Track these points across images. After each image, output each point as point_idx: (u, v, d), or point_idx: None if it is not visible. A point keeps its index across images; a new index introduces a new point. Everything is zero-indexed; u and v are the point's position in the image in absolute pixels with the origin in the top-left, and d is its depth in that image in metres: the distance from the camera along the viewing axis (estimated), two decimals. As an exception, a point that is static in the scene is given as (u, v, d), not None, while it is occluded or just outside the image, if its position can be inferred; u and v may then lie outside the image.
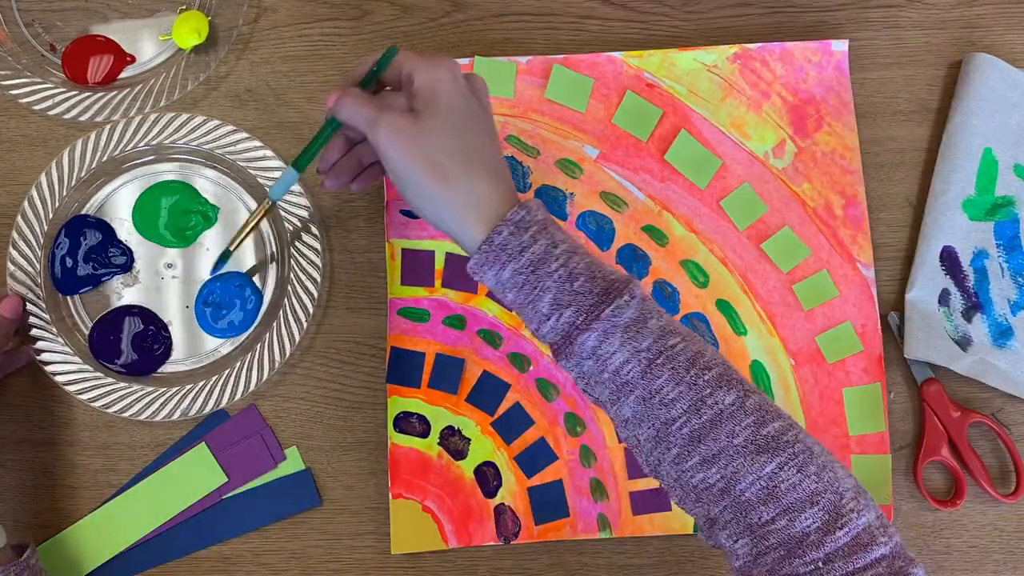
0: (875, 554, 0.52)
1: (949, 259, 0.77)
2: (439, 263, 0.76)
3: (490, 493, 0.75)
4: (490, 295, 0.76)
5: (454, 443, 0.75)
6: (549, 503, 0.74)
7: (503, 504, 0.74)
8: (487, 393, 0.76)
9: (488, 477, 0.75)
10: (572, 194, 0.77)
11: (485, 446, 0.75)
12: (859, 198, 0.77)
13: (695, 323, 0.76)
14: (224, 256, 0.74)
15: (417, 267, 0.76)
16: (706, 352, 0.58)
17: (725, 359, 0.59)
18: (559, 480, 0.75)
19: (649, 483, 0.74)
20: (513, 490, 0.75)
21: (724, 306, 0.76)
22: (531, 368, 0.76)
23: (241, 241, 0.72)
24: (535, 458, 0.75)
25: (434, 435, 0.75)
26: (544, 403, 0.75)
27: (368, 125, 0.61)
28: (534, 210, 0.60)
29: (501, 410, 0.75)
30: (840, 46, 0.78)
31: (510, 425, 0.75)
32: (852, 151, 0.77)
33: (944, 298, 0.76)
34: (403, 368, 0.75)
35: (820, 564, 0.52)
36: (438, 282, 0.76)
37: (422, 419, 0.75)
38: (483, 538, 0.74)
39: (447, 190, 0.60)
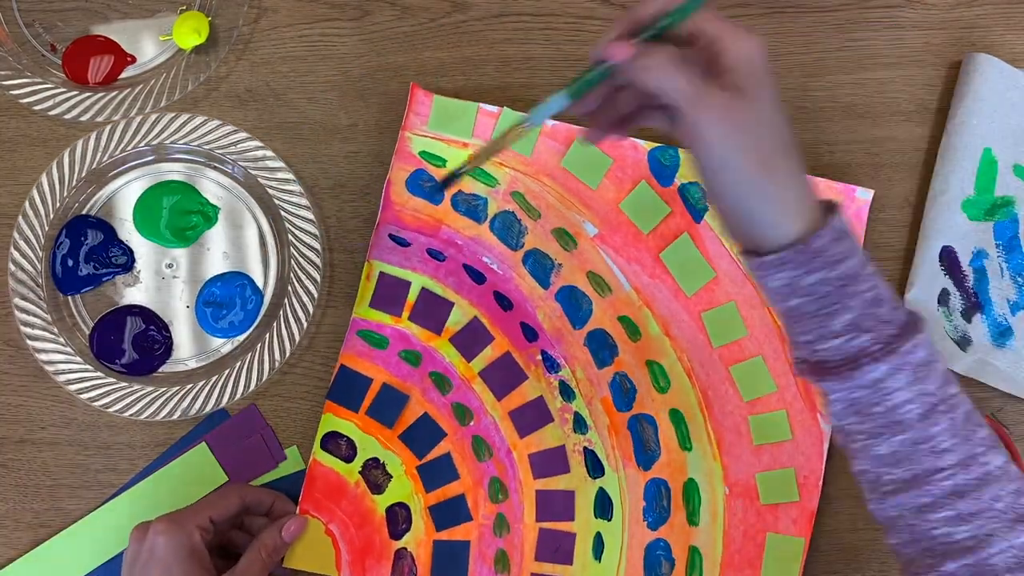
0: None
1: (948, 259, 0.77)
2: (412, 295, 0.76)
3: (396, 535, 0.73)
4: (453, 339, 0.76)
5: (375, 476, 0.74)
6: (451, 561, 0.73)
7: (405, 549, 0.73)
8: (421, 436, 0.75)
9: (399, 518, 0.74)
10: (560, 265, 0.76)
11: (404, 487, 0.74)
12: None
13: (644, 425, 0.75)
14: (452, 176, 0.60)
15: (390, 294, 0.76)
16: (975, 409, 0.56)
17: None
18: (467, 541, 0.73)
19: (553, 570, 0.73)
20: (420, 538, 0.73)
21: (676, 417, 0.75)
22: (471, 423, 0.75)
23: (478, 163, 0.60)
24: (450, 513, 0.74)
25: (358, 462, 0.74)
26: (474, 461, 0.74)
27: (687, 102, 0.52)
28: (846, 219, 0.56)
29: (430, 456, 0.74)
30: (864, 195, 0.77)
31: (435, 473, 0.74)
32: None
33: (943, 298, 0.76)
34: (347, 389, 0.75)
35: None
36: (406, 314, 0.76)
37: (350, 444, 0.74)
38: None
39: (769, 181, 0.53)
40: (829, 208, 0.55)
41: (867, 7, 0.81)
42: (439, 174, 0.76)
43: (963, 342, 0.76)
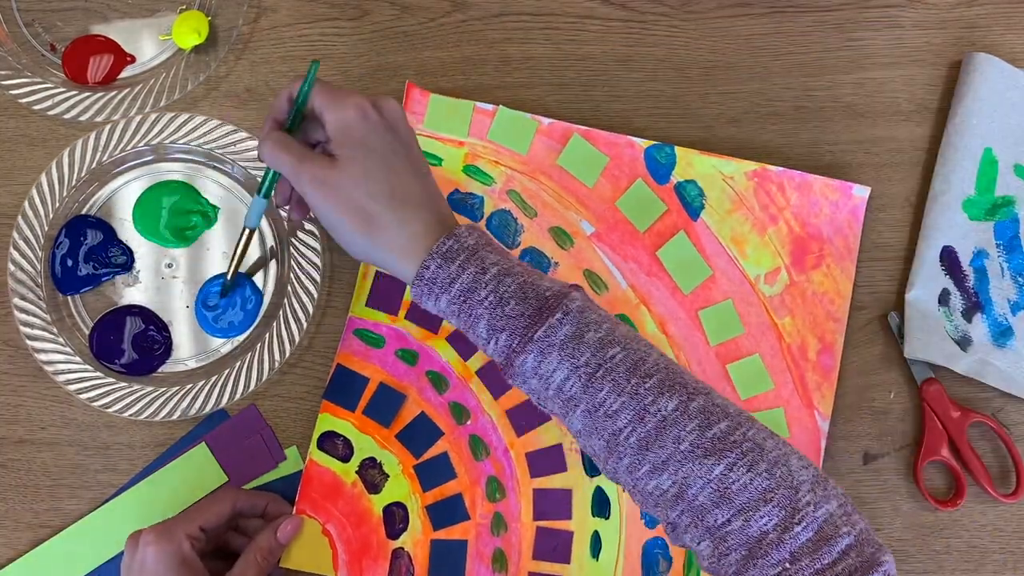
0: (841, 545, 0.52)
1: (949, 259, 0.76)
2: (408, 295, 0.76)
3: (394, 534, 0.73)
4: (450, 338, 0.76)
5: (372, 475, 0.74)
6: (448, 561, 0.73)
7: (403, 549, 0.73)
8: (418, 435, 0.74)
9: (396, 518, 0.74)
10: (557, 264, 0.76)
11: (401, 486, 0.74)
12: (836, 348, 0.75)
13: None
14: (226, 286, 0.75)
15: (386, 293, 0.76)
16: (648, 358, 0.58)
17: (670, 361, 0.59)
18: (464, 540, 0.73)
19: (551, 569, 0.73)
20: (417, 538, 0.73)
21: None
22: (469, 422, 0.75)
23: (236, 268, 0.74)
24: (447, 512, 0.74)
25: (355, 462, 0.74)
26: (472, 460, 0.74)
27: (291, 176, 0.62)
28: (463, 236, 0.61)
29: (428, 455, 0.74)
30: (861, 192, 0.77)
31: (432, 473, 0.74)
32: (843, 299, 0.76)
33: (944, 298, 0.76)
34: (344, 388, 0.75)
35: (787, 564, 0.52)
36: (402, 312, 0.76)
37: (347, 443, 0.74)
38: None
39: (378, 234, 0.61)
40: (455, 231, 0.61)
41: (867, 7, 0.81)
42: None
43: (964, 342, 0.76)
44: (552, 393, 0.59)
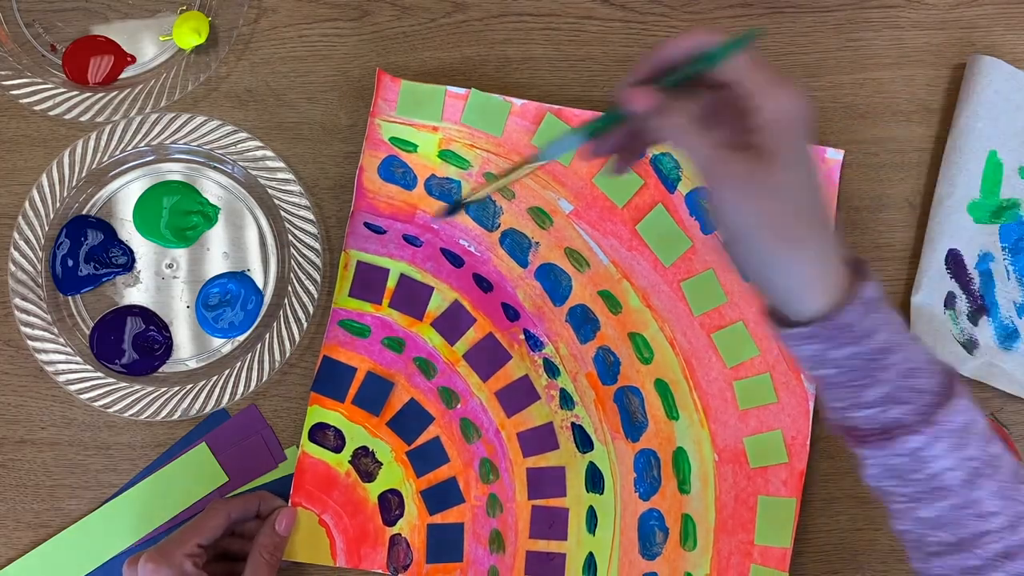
0: None
1: (954, 262, 0.76)
2: (392, 282, 0.76)
3: (390, 521, 0.74)
4: (435, 323, 0.76)
5: (365, 464, 0.74)
6: (445, 544, 0.73)
7: (400, 535, 0.74)
8: (409, 421, 0.75)
9: (391, 505, 0.74)
10: (538, 243, 0.76)
11: (395, 473, 0.74)
12: None
13: (630, 397, 0.75)
14: (455, 207, 0.61)
15: (369, 282, 0.76)
16: (1021, 463, 0.55)
17: None
18: (460, 523, 0.74)
19: (548, 546, 0.73)
20: (413, 523, 0.74)
21: (662, 387, 0.75)
22: (459, 406, 0.75)
23: (481, 195, 0.65)
24: (442, 496, 0.74)
25: (347, 452, 0.74)
26: (463, 443, 0.75)
27: (706, 170, 0.50)
28: (877, 284, 0.52)
29: (419, 441, 0.75)
30: (835, 155, 0.77)
31: (425, 458, 0.74)
32: None
33: (950, 301, 0.76)
34: (331, 379, 0.75)
35: None
36: (386, 301, 0.76)
37: (338, 434, 0.74)
38: (372, 563, 0.73)
39: (791, 253, 0.50)
40: (858, 269, 0.53)
41: (867, 7, 0.80)
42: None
43: (969, 345, 0.75)
44: (920, 477, 0.52)
